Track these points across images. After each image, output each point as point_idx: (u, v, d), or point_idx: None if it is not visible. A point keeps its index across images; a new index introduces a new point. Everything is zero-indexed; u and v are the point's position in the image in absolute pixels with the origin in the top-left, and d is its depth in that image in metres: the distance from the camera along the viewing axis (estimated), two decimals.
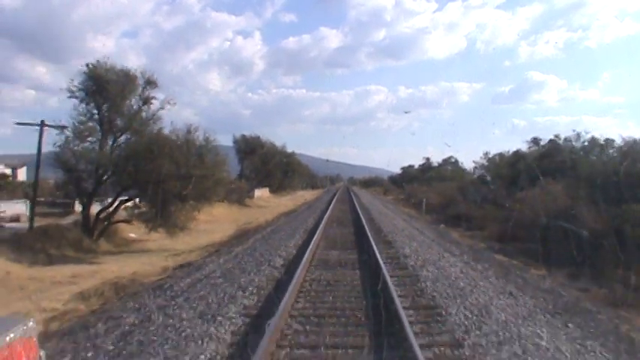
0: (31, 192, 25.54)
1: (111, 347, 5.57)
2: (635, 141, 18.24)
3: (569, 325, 6.47)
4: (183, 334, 5.83)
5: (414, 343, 4.91)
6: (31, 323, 2.45)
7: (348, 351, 5.23)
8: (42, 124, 18.48)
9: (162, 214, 18.04)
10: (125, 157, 18.28)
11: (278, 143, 59.35)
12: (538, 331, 5.97)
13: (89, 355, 5.39)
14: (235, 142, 51.29)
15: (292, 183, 69.60)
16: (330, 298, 7.57)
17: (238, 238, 18.71)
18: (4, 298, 11.74)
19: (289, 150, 65.39)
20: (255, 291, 8.00)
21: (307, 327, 6.05)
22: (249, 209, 43.27)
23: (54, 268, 16.39)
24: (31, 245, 18.11)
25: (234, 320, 6.36)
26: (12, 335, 2.25)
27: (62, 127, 18.23)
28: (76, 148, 18.49)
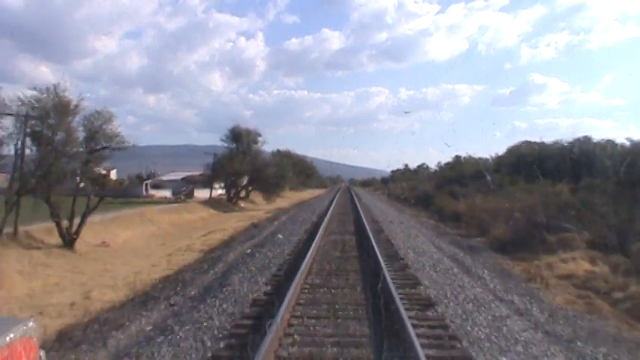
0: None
1: (306, 208, 29.53)
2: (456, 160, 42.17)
3: (395, 208, 30.31)
4: (315, 207, 29.73)
5: (360, 210, 28.84)
6: (31, 323, 2.39)
7: (347, 208, 29.23)
8: (215, 155, 42.27)
9: (268, 193, 41.94)
10: (252, 168, 41.86)
11: (299, 152, 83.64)
12: (387, 208, 29.83)
13: (306, 208, 29.37)
14: (273, 154, 75.30)
15: (309, 183, 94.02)
16: (344, 204, 31.59)
17: (302, 202, 42.56)
18: (237, 218, 35.45)
19: (303, 157, 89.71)
20: (323, 203, 31.89)
21: (339, 203, 30.12)
22: (284, 198, 67.15)
23: (229, 213, 40.26)
24: (213, 206, 41.86)
25: (325, 204, 30.29)
26: (12, 335, 2.19)
27: (216, 155, 42.05)
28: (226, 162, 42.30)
